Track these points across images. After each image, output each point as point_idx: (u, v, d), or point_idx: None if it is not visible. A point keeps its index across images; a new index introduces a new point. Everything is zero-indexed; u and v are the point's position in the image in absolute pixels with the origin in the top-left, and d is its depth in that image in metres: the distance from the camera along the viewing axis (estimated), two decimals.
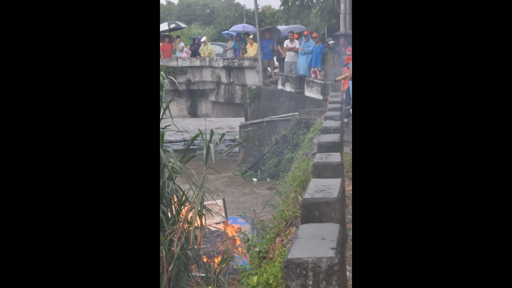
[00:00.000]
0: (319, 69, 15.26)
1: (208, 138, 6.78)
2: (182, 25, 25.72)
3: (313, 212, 3.12)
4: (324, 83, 14.60)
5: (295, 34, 16.39)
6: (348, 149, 7.41)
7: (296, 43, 16.17)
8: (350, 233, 4.09)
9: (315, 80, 15.09)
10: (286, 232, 4.92)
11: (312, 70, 15.50)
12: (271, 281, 3.85)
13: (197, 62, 19.16)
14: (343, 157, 5.34)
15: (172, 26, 22.69)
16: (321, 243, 2.41)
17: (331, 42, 14.73)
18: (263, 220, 6.86)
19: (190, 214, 6.47)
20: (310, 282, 2.28)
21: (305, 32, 16.21)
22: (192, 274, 6.52)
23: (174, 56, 19.76)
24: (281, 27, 19.82)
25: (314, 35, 15.92)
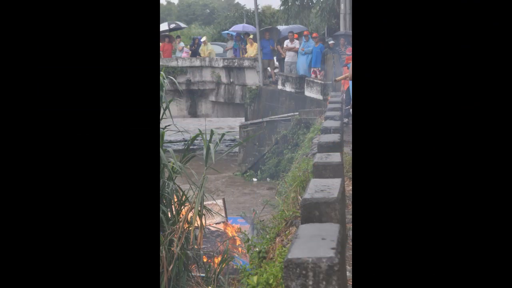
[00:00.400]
0: (319, 69, 15.25)
1: (208, 138, 6.78)
2: (182, 25, 25.72)
3: (313, 212, 3.12)
4: (324, 83, 14.60)
5: (295, 34, 16.38)
6: (348, 149, 7.41)
7: (296, 43, 16.16)
8: (350, 233, 4.09)
9: (315, 80, 15.09)
10: (286, 232, 4.91)
11: (312, 70, 15.50)
12: (271, 281, 3.85)
13: (197, 62, 19.15)
14: (343, 157, 5.34)
15: (172, 26, 22.68)
16: (321, 243, 2.41)
17: (331, 42, 14.73)
18: (263, 220, 6.85)
19: (190, 214, 6.47)
20: (310, 282, 2.27)
21: (305, 32, 16.21)
22: (192, 274, 6.51)
23: (174, 56, 19.75)
24: (281, 27, 19.82)
25: (314, 35, 15.92)
